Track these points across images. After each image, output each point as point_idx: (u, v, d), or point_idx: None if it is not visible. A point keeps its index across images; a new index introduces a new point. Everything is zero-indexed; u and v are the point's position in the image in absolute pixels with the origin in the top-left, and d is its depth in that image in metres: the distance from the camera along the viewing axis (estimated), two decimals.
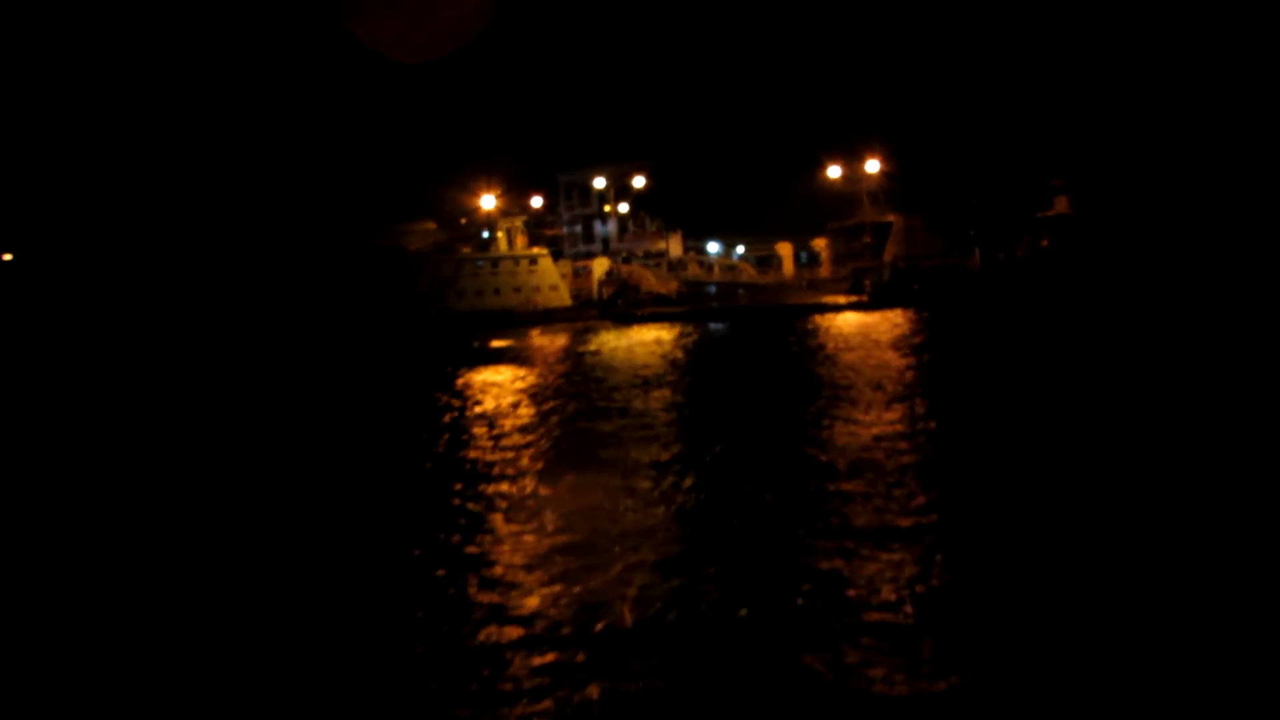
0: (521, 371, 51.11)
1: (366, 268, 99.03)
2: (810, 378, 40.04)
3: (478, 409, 36.56)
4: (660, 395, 37.19)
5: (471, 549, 17.17)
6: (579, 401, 36.38)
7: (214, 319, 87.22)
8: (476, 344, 75.35)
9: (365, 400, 43.89)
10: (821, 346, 55.88)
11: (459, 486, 22.10)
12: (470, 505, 20.28)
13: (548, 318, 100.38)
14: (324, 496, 22.47)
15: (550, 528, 18.04)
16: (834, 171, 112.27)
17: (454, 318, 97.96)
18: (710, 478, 21.37)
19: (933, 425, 26.25)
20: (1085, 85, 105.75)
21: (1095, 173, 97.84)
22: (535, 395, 39.89)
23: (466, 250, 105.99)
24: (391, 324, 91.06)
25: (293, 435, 33.15)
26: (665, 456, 23.83)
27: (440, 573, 16.08)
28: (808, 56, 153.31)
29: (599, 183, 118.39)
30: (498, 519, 19.03)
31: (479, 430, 30.75)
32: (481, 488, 21.86)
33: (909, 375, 38.52)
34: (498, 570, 15.94)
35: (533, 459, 25.00)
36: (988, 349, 50.26)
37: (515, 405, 37.04)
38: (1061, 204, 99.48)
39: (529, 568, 15.76)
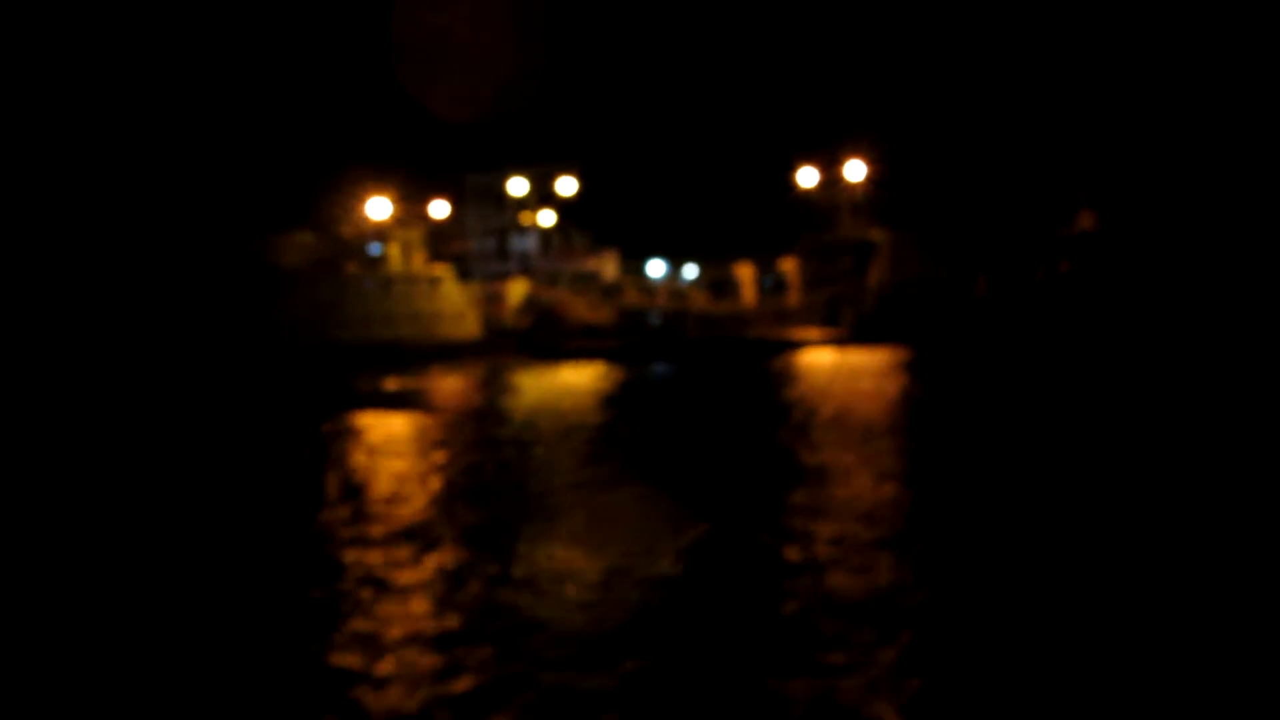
0: (416, 420, 50.55)
1: (227, 288, 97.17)
2: (773, 434, 40.16)
3: (353, 470, 35.94)
4: (588, 454, 37.14)
5: (315, 645, 16.60)
6: (486, 460, 36.26)
7: (31, 349, 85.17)
8: (363, 385, 74.17)
9: (210, 456, 42.28)
10: (789, 393, 56.68)
11: (309, 566, 21.70)
12: (318, 591, 19.81)
13: (452, 352, 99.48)
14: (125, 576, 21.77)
15: (422, 629, 17.63)
16: (808, 177, 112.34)
17: (336, 351, 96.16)
18: (636, 570, 20.58)
19: (919, 501, 26.26)
20: (1116, 75, 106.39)
21: (1127, 182, 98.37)
22: (430, 451, 39.58)
23: (352, 268, 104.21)
24: (257, 358, 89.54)
25: (106, 502, 31.91)
26: (585, 535, 23.44)
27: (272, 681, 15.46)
28: (776, 39, 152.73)
29: (517, 187, 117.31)
30: (356, 607, 18.54)
31: (349, 500, 30.19)
32: (342, 566, 21.46)
33: (894, 437, 38.57)
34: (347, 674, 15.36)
35: (416, 536, 24.46)
36: (996, 401, 50.37)
37: (403, 464, 36.64)
38: (1086, 220, 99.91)
39: (389, 679, 15.21)
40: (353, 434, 46.11)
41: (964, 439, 36.91)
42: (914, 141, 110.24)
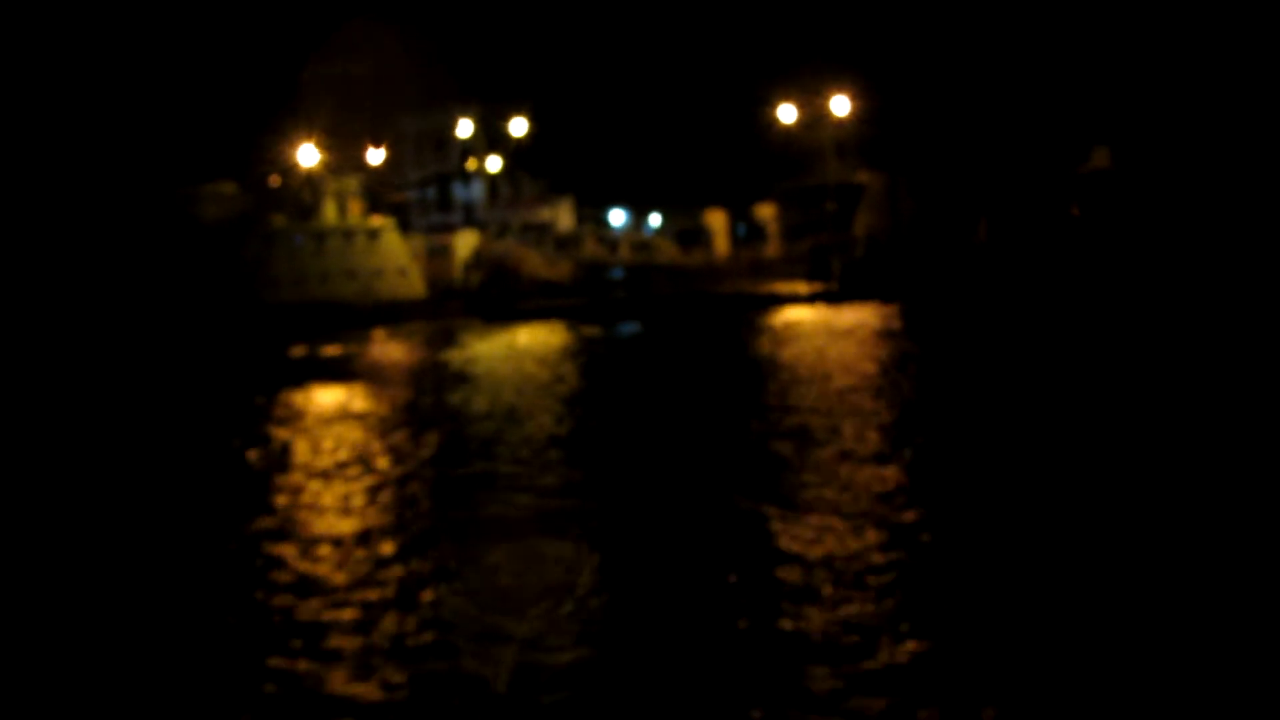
0: (359, 396, 49.99)
1: (140, 246, 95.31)
2: (756, 415, 38.97)
3: (291, 467, 34.56)
4: (555, 434, 36.90)
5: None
6: (440, 446, 35.95)
7: None
8: (299, 352, 74.43)
9: (130, 444, 40.75)
10: (771, 359, 56.91)
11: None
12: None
13: (395, 314, 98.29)
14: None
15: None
16: (787, 114, 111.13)
17: (266, 313, 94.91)
18: (612, 590, 20.39)
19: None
20: None
21: (1150, 113, 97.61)
22: (375, 440, 38.54)
23: (281, 221, 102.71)
24: (178, 323, 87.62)
25: None
26: (551, 547, 22.91)
27: None
28: None
29: (462, 129, 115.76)
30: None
31: (284, 501, 29.23)
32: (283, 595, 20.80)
33: (893, 420, 37.22)
34: None
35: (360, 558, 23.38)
36: (1003, 371, 49.22)
37: (348, 454, 35.43)
38: (1100, 157, 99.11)
39: None
40: (288, 412, 45.64)
41: (970, 422, 35.97)
42: (905, 73, 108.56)
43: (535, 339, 75.55)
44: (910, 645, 17.12)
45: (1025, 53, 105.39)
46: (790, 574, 20.30)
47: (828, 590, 19.17)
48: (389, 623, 19.07)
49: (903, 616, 18.29)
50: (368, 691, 16.03)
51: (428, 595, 20.23)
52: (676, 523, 24.53)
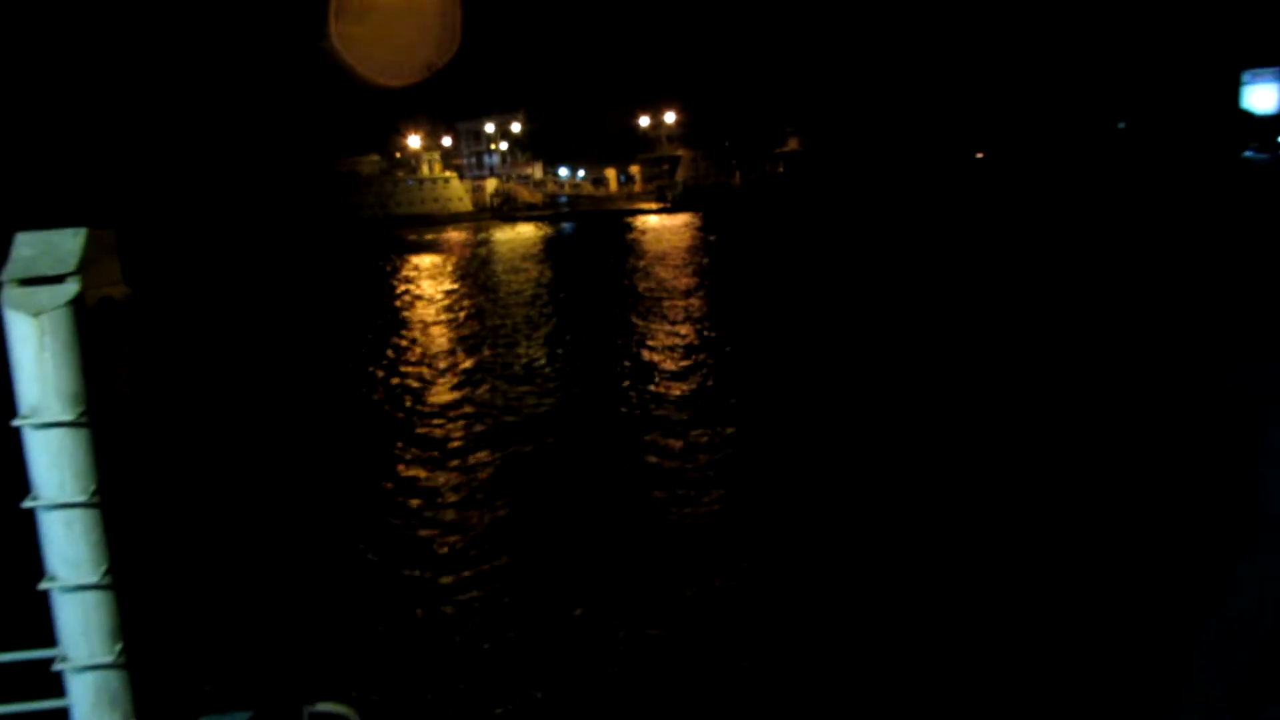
0: (445, 259, 48.52)
1: (332, 185, 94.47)
2: (634, 258, 39.52)
3: (409, 287, 34.60)
4: (539, 271, 36.62)
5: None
6: (484, 284, 35.41)
7: (213, 224, 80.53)
8: (412, 237, 72.56)
9: (338, 276, 40.84)
10: (641, 234, 56.57)
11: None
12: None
13: (457, 219, 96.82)
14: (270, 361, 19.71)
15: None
16: (644, 120, 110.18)
17: (392, 219, 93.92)
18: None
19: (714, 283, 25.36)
20: (815, 56, 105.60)
21: (818, 119, 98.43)
22: (453, 276, 38.18)
23: (401, 174, 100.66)
24: (350, 223, 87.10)
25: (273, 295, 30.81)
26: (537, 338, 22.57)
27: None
28: (632, 38, 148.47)
29: (489, 128, 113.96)
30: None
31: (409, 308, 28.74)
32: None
33: (699, 260, 38.20)
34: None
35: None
36: (752, 239, 49.79)
37: (444, 284, 35.37)
38: (794, 142, 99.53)
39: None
40: (407, 265, 44.69)
41: (740, 259, 36.68)
42: (699, 100, 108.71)
43: (527, 230, 73.75)
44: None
45: (754, 89, 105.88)
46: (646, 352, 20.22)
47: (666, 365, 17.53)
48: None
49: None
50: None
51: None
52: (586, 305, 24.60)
